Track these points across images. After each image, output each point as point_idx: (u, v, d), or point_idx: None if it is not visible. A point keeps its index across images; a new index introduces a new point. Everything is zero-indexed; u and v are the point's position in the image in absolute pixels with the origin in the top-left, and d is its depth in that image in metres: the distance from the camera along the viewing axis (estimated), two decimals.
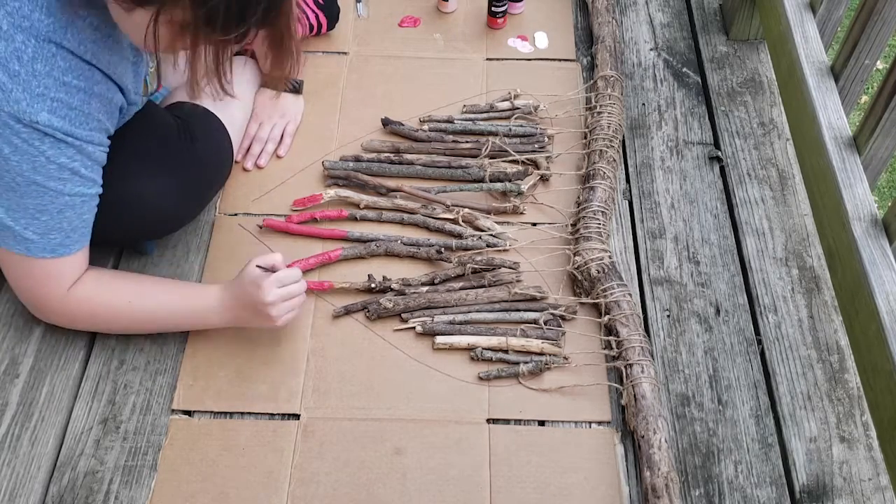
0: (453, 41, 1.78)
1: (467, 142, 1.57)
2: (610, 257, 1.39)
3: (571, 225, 1.47)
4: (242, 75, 1.58)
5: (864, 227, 1.23)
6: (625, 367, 1.28)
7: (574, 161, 1.58)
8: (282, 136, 1.58)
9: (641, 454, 1.20)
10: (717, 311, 1.40)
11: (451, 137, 1.59)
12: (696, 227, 1.51)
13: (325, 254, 1.42)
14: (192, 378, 1.30)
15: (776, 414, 1.30)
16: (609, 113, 1.57)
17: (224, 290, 1.27)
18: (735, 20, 1.78)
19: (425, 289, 1.38)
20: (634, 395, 1.25)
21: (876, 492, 1.22)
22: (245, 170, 1.55)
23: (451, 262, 1.41)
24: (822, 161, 1.34)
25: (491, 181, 1.52)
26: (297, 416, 1.27)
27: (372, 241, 1.44)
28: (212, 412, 1.27)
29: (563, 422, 1.27)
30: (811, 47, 1.46)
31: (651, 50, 1.79)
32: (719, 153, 1.61)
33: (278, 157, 1.57)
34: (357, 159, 1.55)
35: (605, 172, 1.49)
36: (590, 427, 1.27)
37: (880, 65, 2.48)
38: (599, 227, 1.43)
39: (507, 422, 1.28)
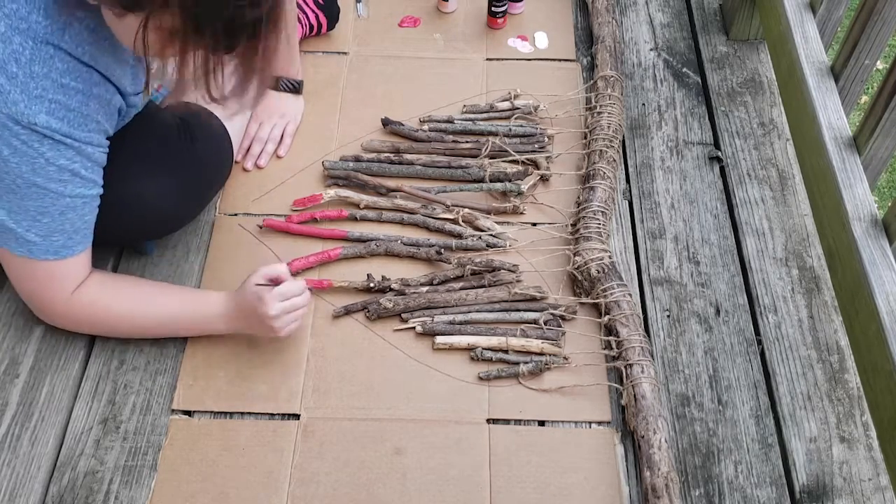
0: (453, 41, 1.78)
1: (467, 142, 1.57)
2: (610, 257, 1.39)
3: (571, 225, 1.47)
4: None
5: (864, 228, 1.23)
6: (625, 367, 1.28)
7: (574, 161, 1.58)
8: (282, 136, 1.58)
9: (641, 454, 1.20)
10: (717, 312, 1.40)
11: (451, 137, 1.59)
12: (696, 227, 1.51)
13: (324, 252, 1.42)
14: (192, 378, 1.30)
15: (776, 414, 1.30)
16: (609, 113, 1.57)
17: (228, 298, 1.28)
18: (735, 20, 1.78)
19: (425, 289, 1.38)
20: (634, 395, 1.25)
21: (876, 492, 1.22)
22: (245, 170, 1.55)
23: (450, 263, 1.41)
24: (822, 161, 1.34)
25: (491, 181, 1.52)
26: (297, 416, 1.27)
27: (372, 240, 1.44)
28: (212, 412, 1.27)
29: (563, 422, 1.27)
30: (811, 47, 1.46)
31: (651, 50, 1.79)
32: (719, 153, 1.61)
33: (278, 157, 1.57)
34: (357, 159, 1.55)
35: (605, 172, 1.49)
36: (590, 427, 1.27)
37: (880, 65, 2.48)
38: (599, 227, 1.43)
39: (507, 422, 1.28)
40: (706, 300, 1.41)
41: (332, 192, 1.49)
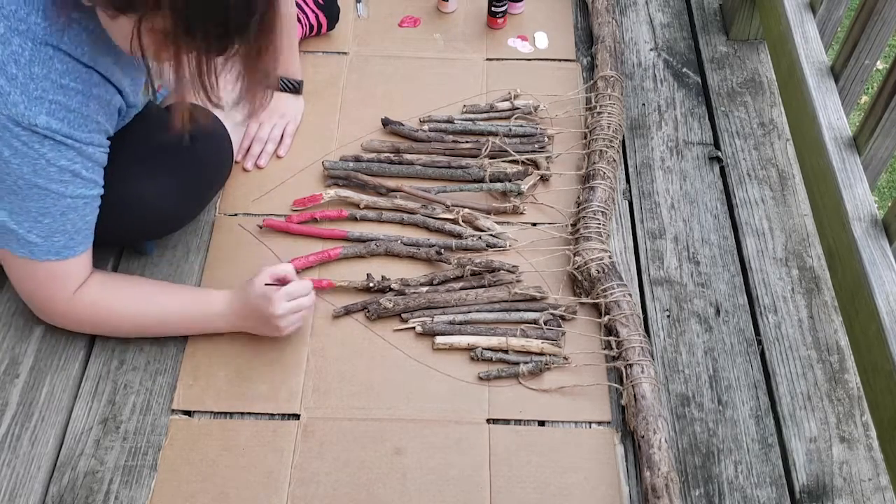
0: (453, 41, 1.78)
1: (467, 142, 1.57)
2: (610, 257, 1.39)
3: (571, 225, 1.47)
4: None
5: (864, 228, 1.23)
6: (625, 367, 1.28)
7: (574, 161, 1.58)
8: (282, 136, 1.58)
9: (641, 454, 1.20)
10: (717, 312, 1.40)
11: (451, 137, 1.59)
12: (696, 227, 1.51)
13: (325, 252, 1.42)
14: (193, 378, 1.30)
15: (776, 414, 1.30)
16: (609, 113, 1.57)
17: (231, 297, 1.28)
18: (735, 20, 1.78)
19: (425, 289, 1.38)
20: (634, 396, 1.25)
21: (876, 492, 1.22)
22: (245, 170, 1.55)
23: (450, 263, 1.41)
24: (822, 161, 1.34)
25: (491, 181, 1.52)
26: (297, 416, 1.27)
27: (372, 240, 1.44)
28: (212, 412, 1.27)
29: (563, 422, 1.27)
30: (811, 47, 1.46)
31: (651, 50, 1.79)
32: (719, 153, 1.61)
33: (278, 157, 1.57)
34: (357, 159, 1.55)
35: (605, 172, 1.49)
36: (590, 427, 1.27)
37: (880, 65, 2.48)
38: (599, 227, 1.43)
39: (507, 422, 1.28)
40: (706, 300, 1.41)
41: (332, 192, 1.49)
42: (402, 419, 1.27)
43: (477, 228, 1.47)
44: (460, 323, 1.36)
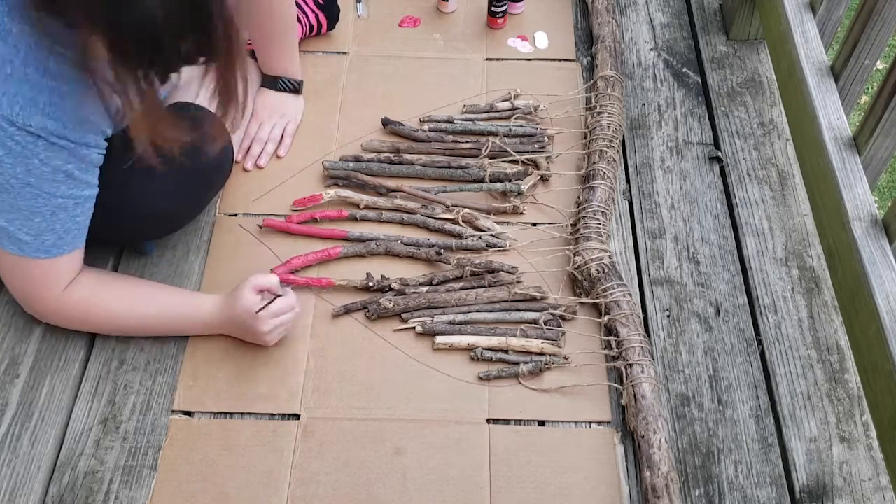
0: (453, 41, 1.78)
1: (467, 142, 1.57)
2: (610, 257, 1.40)
3: (571, 225, 1.47)
4: None
5: (864, 227, 1.23)
6: (625, 367, 1.28)
7: (574, 161, 1.58)
8: (282, 136, 1.58)
9: (641, 454, 1.20)
10: (717, 311, 1.40)
11: (451, 137, 1.59)
12: (696, 227, 1.51)
13: (324, 250, 1.42)
14: (193, 379, 1.30)
15: (776, 414, 1.30)
16: (609, 113, 1.57)
17: (220, 305, 1.29)
18: (735, 20, 1.78)
19: (425, 289, 1.38)
20: (634, 395, 1.25)
21: (876, 492, 1.22)
22: (245, 170, 1.55)
23: (450, 263, 1.41)
24: (822, 161, 1.34)
25: (491, 181, 1.52)
26: (297, 416, 1.27)
27: (372, 240, 1.44)
28: (212, 412, 1.27)
29: (563, 422, 1.27)
30: (811, 47, 1.46)
31: (651, 50, 1.79)
32: (719, 153, 1.61)
33: (278, 157, 1.57)
34: (357, 159, 1.55)
35: (605, 172, 1.49)
36: (590, 427, 1.27)
37: (880, 65, 2.48)
38: (599, 227, 1.43)
39: (507, 422, 1.28)
40: (706, 300, 1.41)
41: (332, 192, 1.49)
42: (402, 419, 1.27)
43: (477, 228, 1.47)
44: (460, 323, 1.36)
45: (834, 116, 1.37)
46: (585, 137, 1.59)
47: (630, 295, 1.36)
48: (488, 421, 1.27)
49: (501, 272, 1.39)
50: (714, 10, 1.86)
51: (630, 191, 1.56)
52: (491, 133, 1.58)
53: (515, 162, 1.55)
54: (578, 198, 1.50)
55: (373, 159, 1.55)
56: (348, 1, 1.82)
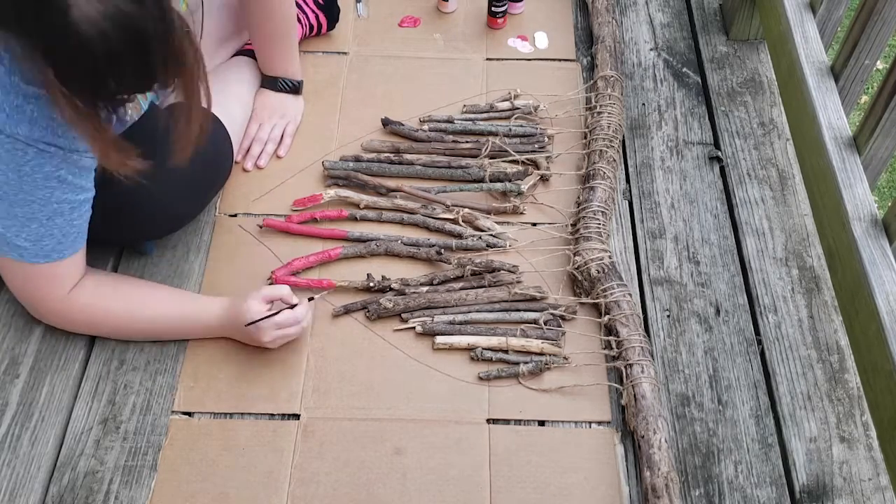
0: (453, 41, 1.78)
1: (467, 142, 1.57)
2: (610, 257, 1.39)
3: (571, 225, 1.47)
4: (242, 75, 1.58)
5: (864, 227, 1.23)
6: (625, 367, 1.28)
7: (574, 161, 1.58)
8: (282, 136, 1.58)
9: (641, 454, 1.20)
10: (717, 311, 1.40)
11: (451, 137, 1.59)
12: (696, 227, 1.51)
13: (325, 252, 1.42)
14: (193, 380, 1.30)
15: (776, 414, 1.30)
16: (609, 113, 1.57)
17: (225, 310, 1.29)
18: (735, 20, 1.78)
19: (425, 289, 1.38)
20: (634, 395, 1.25)
21: (876, 492, 1.22)
22: (245, 170, 1.55)
23: (450, 263, 1.41)
24: (822, 161, 1.34)
25: (491, 181, 1.52)
26: (297, 416, 1.27)
27: (372, 240, 1.44)
28: (212, 413, 1.27)
29: (563, 422, 1.27)
30: (811, 47, 1.46)
31: (651, 50, 1.79)
32: (719, 153, 1.61)
33: (278, 157, 1.57)
34: (357, 159, 1.55)
35: (605, 172, 1.49)
36: (590, 427, 1.27)
37: (880, 65, 2.48)
38: (599, 227, 1.43)
39: (507, 422, 1.28)
40: (706, 300, 1.41)
41: (332, 192, 1.49)
42: (402, 419, 1.27)
43: (477, 228, 1.47)
44: (460, 323, 1.36)
45: (834, 116, 1.37)
46: (585, 137, 1.59)
47: (630, 295, 1.36)
48: (488, 421, 1.27)
49: (502, 271, 1.39)
50: (714, 10, 1.86)
51: (630, 191, 1.56)
52: (491, 133, 1.58)
53: (515, 162, 1.55)
54: (578, 198, 1.50)
55: (373, 159, 1.55)
56: (348, 1, 1.82)
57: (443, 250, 1.42)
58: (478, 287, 1.39)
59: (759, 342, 1.37)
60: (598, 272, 1.37)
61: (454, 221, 1.48)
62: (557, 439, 1.26)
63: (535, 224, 1.49)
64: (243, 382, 1.29)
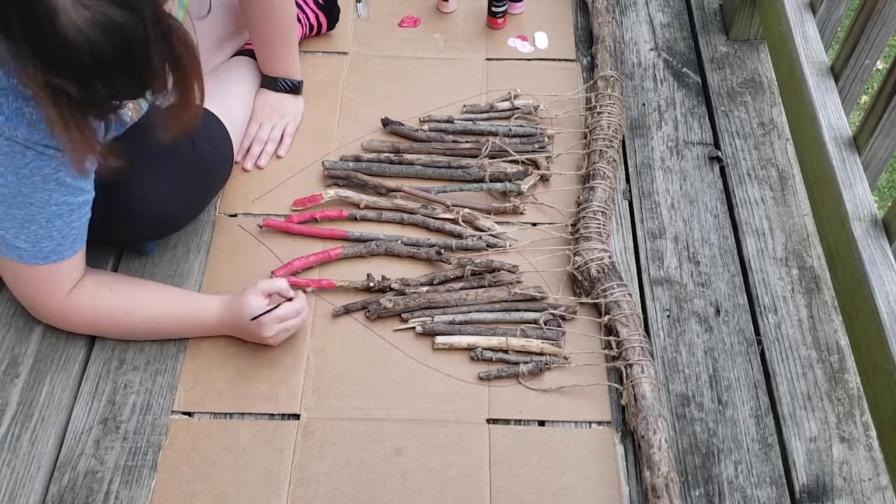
0: (453, 41, 1.78)
1: (467, 142, 1.57)
2: (610, 257, 1.39)
3: (571, 225, 1.47)
4: (242, 75, 1.58)
5: (864, 227, 1.23)
6: (625, 367, 1.28)
7: (574, 161, 1.58)
8: (282, 136, 1.58)
9: (641, 454, 1.20)
10: (717, 311, 1.40)
11: (451, 137, 1.59)
12: (696, 227, 1.51)
13: (325, 252, 1.42)
14: (193, 380, 1.30)
15: (776, 414, 1.30)
16: (609, 113, 1.57)
17: (224, 307, 1.29)
18: (735, 20, 1.78)
19: (425, 289, 1.38)
20: (634, 395, 1.25)
21: (876, 492, 1.22)
22: (245, 170, 1.55)
23: (450, 263, 1.41)
24: (822, 161, 1.34)
25: (491, 181, 1.52)
26: (297, 417, 1.27)
27: (372, 240, 1.44)
28: (212, 413, 1.27)
29: (563, 422, 1.27)
30: (811, 47, 1.46)
31: (651, 50, 1.79)
32: (719, 153, 1.61)
33: (278, 157, 1.57)
34: (357, 159, 1.55)
35: (605, 172, 1.49)
36: (590, 427, 1.27)
37: (880, 65, 2.48)
38: (599, 227, 1.43)
39: (507, 422, 1.28)
40: (706, 300, 1.41)
41: (332, 192, 1.49)
42: (402, 419, 1.27)
43: (477, 228, 1.47)
44: (460, 323, 1.36)
45: (834, 116, 1.37)
46: (585, 137, 1.59)
47: (630, 295, 1.36)
48: (488, 421, 1.27)
49: (502, 271, 1.39)
50: (714, 10, 1.86)
51: (630, 191, 1.56)
52: (491, 133, 1.58)
53: (515, 162, 1.55)
54: (578, 198, 1.50)
55: (373, 159, 1.55)
56: (348, 1, 1.82)
57: (443, 250, 1.42)
58: (478, 287, 1.39)
59: (759, 342, 1.37)
60: (598, 272, 1.37)
61: (454, 221, 1.48)
62: (557, 439, 1.26)
63: (535, 224, 1.49)
64: (243, 382, 1.29)
